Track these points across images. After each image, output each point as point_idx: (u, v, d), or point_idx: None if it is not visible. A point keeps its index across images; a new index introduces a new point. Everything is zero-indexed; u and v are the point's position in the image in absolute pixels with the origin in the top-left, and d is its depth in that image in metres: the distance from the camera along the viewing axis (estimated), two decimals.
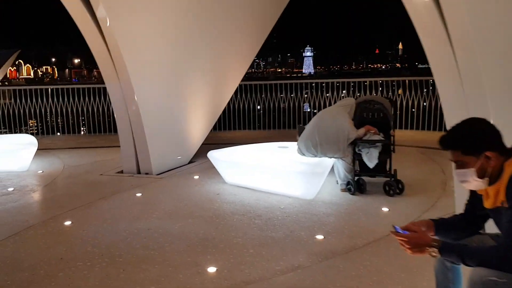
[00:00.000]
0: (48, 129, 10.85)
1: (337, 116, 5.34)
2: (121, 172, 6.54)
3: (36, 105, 10.63)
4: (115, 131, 10.82)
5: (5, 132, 10.73)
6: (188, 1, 6.51)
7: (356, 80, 10.67)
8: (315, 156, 5.19)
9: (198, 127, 7.27)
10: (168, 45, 6.41)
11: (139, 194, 5.31)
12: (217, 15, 7.04)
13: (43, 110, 10.66)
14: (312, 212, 4.56)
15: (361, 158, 5.23)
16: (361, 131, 5.16)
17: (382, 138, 5.19)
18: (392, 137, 5.21)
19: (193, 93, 7.05)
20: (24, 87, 10.85)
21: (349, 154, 5.23)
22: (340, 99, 10.80)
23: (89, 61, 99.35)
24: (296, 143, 5.64)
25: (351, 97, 6.80)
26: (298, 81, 11.25)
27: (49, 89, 10.80)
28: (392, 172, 5.21)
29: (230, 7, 7.23)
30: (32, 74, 79.90)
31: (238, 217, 4.43)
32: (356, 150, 5.24)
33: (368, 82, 10.49)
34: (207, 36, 6.97)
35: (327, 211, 4.58)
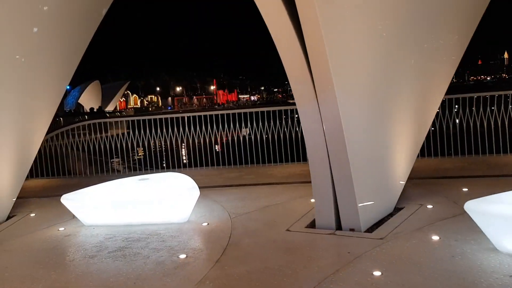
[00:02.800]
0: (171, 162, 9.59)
1: None
2: (312, 225, 4.77)
3: (154, 136, 9.32)
4: (255, 162, 9.29)
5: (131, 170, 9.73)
6: (399, 7, 4.71)
7: None
8: None
9: (403, 159, 5.29)
10: (375, 55, 4.63)
11: (377, 273, 3.42)
12: (421, 25, 5.13)
13: (154, 141, 9.41)
14: None
15: None
16: None
17: None
18: None
19: (397, 115, 5.12)
20: (160, 116, 9.72)
21: None
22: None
23: (190, 88, 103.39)
24: None
25: None
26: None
27: (182, 118, 9.53)
28: None
29: (435, 14, 5.30)
30: (138, 103, 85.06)
31: None
32: None
33: None
34: (411, 47, 5.09)
35: None
